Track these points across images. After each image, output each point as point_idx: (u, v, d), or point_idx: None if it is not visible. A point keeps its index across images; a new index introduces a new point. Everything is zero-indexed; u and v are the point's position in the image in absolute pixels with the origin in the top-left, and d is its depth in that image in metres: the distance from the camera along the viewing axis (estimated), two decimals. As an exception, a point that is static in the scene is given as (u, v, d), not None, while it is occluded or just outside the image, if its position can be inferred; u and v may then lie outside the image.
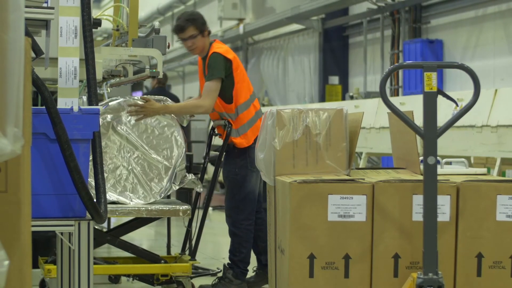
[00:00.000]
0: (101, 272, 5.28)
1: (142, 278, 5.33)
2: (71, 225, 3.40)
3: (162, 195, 5.10)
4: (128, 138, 5.09)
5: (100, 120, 4.98)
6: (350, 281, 3.59)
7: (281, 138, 3.87)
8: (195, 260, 5.38)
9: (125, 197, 5.04)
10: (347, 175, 3.81)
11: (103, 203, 3.47)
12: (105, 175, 5.00)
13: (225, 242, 8.32)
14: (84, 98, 5.42)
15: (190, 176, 5.19)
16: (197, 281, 5.74)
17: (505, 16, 11.51)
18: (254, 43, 20.45)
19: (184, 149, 5.20)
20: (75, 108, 3.41)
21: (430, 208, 3.45)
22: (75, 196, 3.34)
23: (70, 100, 3.80)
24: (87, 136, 3.42)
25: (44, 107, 3.22)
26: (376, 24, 14.51)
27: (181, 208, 4.96)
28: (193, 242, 5.49)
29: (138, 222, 5.40)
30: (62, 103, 3.78)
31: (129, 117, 5.13)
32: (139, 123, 5.14)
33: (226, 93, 5.62)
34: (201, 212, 5.50)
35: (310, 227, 3.57)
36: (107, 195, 5.03)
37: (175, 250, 6.69)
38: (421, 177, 3.60)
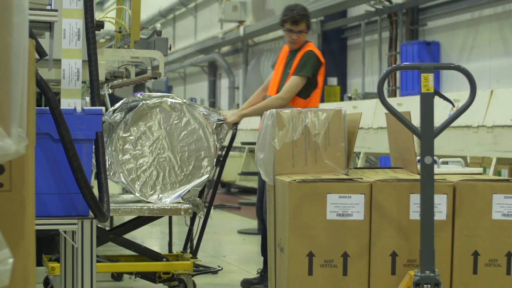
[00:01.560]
0: (103, 270, 5.27)
1: (144, 275, 5.33)
2: (74, 224, 3.39)
3: (167, 201, 5.07)
4: (166, 138, 5.07)
5: (153, 112, 5.00)
6: (348, 278, 3.59)
7: (280, 138, 3.87)
8: (197, 258, 5.38)
9: (138, 190, 5.02)
10: (346, 175, 3.81)
11: (105, 202, 3.47)
12: (128, 157, 4.99)
13: (226, 240, 8.33)
14: (87, 99, 5.42)
15: (198, 200, 5.15)
16: (198, 279, 5.74)
17: (501, 18, 11.51)
18: (254, 44, 20.45)
19: (207, 176, 5.14)
20: (78, 109, 3.41)
21: (427, 207, 3.45)
22: (78, 195, 3.34)
23: (73, 101, 3.80)
24: (90, 136, 3.42)
25: (48, 107, 3.22)
26: (374, 26, 14.51)
27: (182, 207, 4.96)
28: (195, 240, 5.49)
29: (140, 221, 5.39)
30: (65, 104, 3.78)
31: (178, 119, 5.10)
32: (184, 133, 5.10)
33: (307, 91, 5.63)
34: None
35: (309, 226, 3.57)
36: (121, 177, 5.03)
37: (177, 248, 6.70)
38: (418, 177, 3.60)
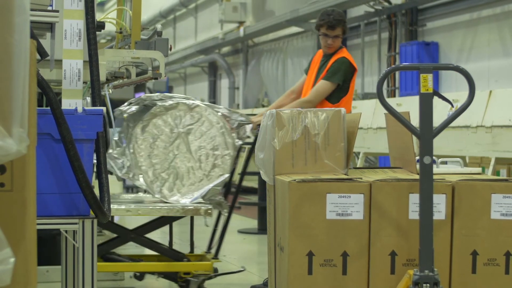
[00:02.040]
0: (126, 269, 5.28)
1: (166, 275, 5.32)
2: (75, 223, 3.39)
3: (188, 202, 5.06)
4: (184, 138, 5.07)
5: (171, 113, 5.00)
6: (348, 278, 3.59)
7: (280, 138, 3.87)
8: (218, 259, 5.37)
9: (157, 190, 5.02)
10: (345, 175, 3.81)
11: (106, 202, 3.47)
12: (146, 158, 4.99)
13: (226, 239, 8.30)
14: (88, 99, 5.42)
15: (220, 198, 5.15)
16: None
17: (499, 19, 11.51)
18: (254, 45, 20.44)
19: (227, 175, 5.14)
20: (79, 109, 3.41)
21: (426, 206, 3.45)
22: (79, 195, 3.34)
23: (74, 101, 3.80)
24: (91, 136, 3.42)
25: (49, 108, 3.21)
26: (373, 27, 14.51)
27: (203, 207, 4.94)
28: (212, 241, 5.47)
29: (161, 221, 5.37)
30: (66, 104, 3.78)
31: (196, 120, 5.09)
32: (202, 133, 5.10)
33: (337, 96, 5.63)
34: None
35: (309, 226, 3.57)
36: (140, 179, 5.03)
37: (177, 248, 6.68)
38: (417, 177, 3.60)
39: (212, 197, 5.08)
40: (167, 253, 5.30)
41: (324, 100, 5.64)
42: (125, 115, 5.06)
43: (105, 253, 5.25)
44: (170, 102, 5.05)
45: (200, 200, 5.08)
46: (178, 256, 5.28)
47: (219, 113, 5.10)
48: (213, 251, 5.60)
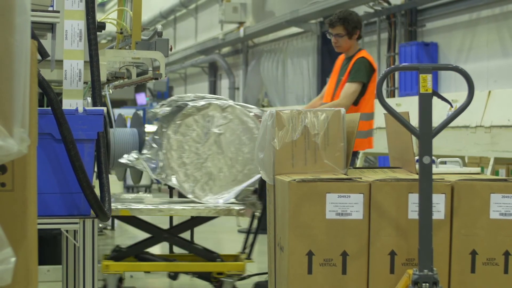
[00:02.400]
0: (161, 269, 5.29)
1: (201, 275, 5.31)
2: (76, 223, 3.39)
3: (220, 201, 5.06)
4: (216, 139, 5.06)
5: (203, 113, 5.01)
6: (347, 277, 3.59)
7: (280, 138, 3.87)
8: (251, 259, 5.37)
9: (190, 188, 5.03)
10: (345, 174, 3.81)
11: (107, 202, 3.47)
12: (179, 159, 5.00)
13: (226, 239, 8.32)
14: (89, 99, 5.42)
15: (253, 198, 5.15)
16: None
17: (498, 19, 11.51)
18: (254, 45, 20.44)
19: (260, 176, 5.14)
20: (80, 109, 3.41)
21: (426, 206, 3.45)
22: (80, 195, 3.34)
23: (74, 101, 3.80)
24: (91, 136, 3.42)
25: (50, 108, 3.22)
26: (373, 27, 14.51)
27: (235, 208, 4.93)
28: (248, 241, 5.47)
29: (194, 222, 5.36)
30: (67, 104, 3.78)
31: (228, 120, 5.10)
32: (234, 133, 5.10)
33: (357, 97, 5.65)
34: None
35: (309, 225, 3.57)
36: (172, 179, 5.04)
37: (179, 249, 6.68)
38: (416, 176, 3.60)
39: (246, 197, 5.09)
40: (201, 253, 5.29)
41: None
42: (158, 117, 5.09)
43: (139, 252, 5.26)
44: (202, 102, 5.07)
45: (233, 200, 5.08)
46: (211, 256, 5.27)
47: (251, 113, 5.11)
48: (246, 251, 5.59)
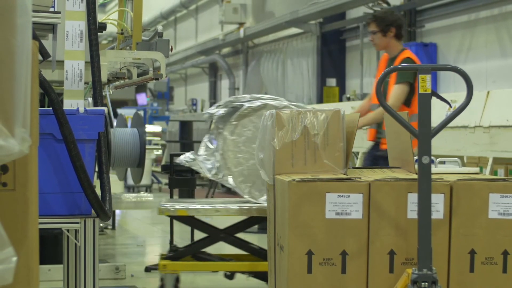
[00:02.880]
0: (215, 268, 5.29)
1: (257, 275, 5.30)
2: (77, 223, 3.39)
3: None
4: None
5: (259, 114, 5.01)
6: (347, 276, 3.59)
7: (280, 138, 3.87)
8: None
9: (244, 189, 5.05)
10: (344, 174, 3.81)
11: (108, 201, 3.47)
12: (235, 159, 5.01)
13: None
14: (90, 99, 5.42)
15: None
16: (200, 277, 5.73)
17: (497, 20, 11.51)
18: (254, 46, 20.44)
19: None
20: (81, 109, 3.41)
21: (425, 206, 3.45)
22: (81, 195, 3.34)
23: (75, 101, 3.80)
24: (92, 136, 3.42)
25: (51, 108, 3.22)
26: (372, 28, 14.48)
27: None
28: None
29: (250, 221, 5.36)
30: (68, 104, 3.78)
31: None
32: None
33: (408, 98, 5.70)
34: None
35: (309, 225, 3.57)
36: (229, 180, 5.05)
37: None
38: (416, 176, 3.60)
39: None
40: (257, 252, 5.29)
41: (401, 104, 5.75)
42: (214, 118, 5.11)
43: (196, 252, 5.27)
44: (258, 103, 5.09)
45: None
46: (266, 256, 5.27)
47: None
48: None
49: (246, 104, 5.07)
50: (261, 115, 5.05)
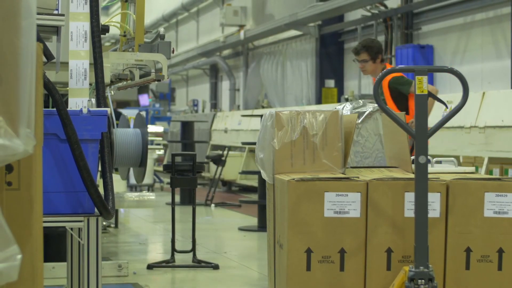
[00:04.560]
0: None
1: None
2: (81, 221, 3.39)
3: None
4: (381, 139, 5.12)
5: (377, 115, 5.06)
6: (345, 274, 3.59)
7: (279, 139, 3.87)
8: None
9: None
10: (343, 174, 3.81)
11: (111, 200, 3.47)
12: (359, 159, 5.05)
13: (227, 237, 8.32)
14: (93, 100, 5.42)
15: None
16: (199, 274, 5.74)
17: (492, 22, 11.51)
18: (254, 48, 20.44)
19: None
20: (85, 110, 3.41)
21: (421, 204, 3.45)
22: (84, 194, 3.34)
23: (80, 100, 3.81)
24: (95, 136, 3.42)
25: (55, 109, 3.22)
26: (370, 30, 14.51)
27: None
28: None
29: None
30: (73, 103, 3.79)
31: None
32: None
33: (406, 104, 6.04)
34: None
35: (307, 223, 3.57)
36: None
37: (180, 245, 6.69)
38: (412, 176, 3.60)
39: None
40: None
41: (394, 106, 6.06)
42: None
43: None
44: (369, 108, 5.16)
45: None
46: None
47: None
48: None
49: (369, 109, 5.16)
50: (374, 117, 5.13)
